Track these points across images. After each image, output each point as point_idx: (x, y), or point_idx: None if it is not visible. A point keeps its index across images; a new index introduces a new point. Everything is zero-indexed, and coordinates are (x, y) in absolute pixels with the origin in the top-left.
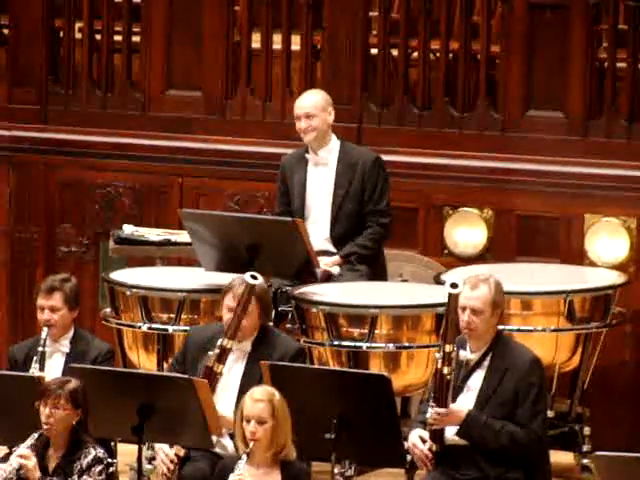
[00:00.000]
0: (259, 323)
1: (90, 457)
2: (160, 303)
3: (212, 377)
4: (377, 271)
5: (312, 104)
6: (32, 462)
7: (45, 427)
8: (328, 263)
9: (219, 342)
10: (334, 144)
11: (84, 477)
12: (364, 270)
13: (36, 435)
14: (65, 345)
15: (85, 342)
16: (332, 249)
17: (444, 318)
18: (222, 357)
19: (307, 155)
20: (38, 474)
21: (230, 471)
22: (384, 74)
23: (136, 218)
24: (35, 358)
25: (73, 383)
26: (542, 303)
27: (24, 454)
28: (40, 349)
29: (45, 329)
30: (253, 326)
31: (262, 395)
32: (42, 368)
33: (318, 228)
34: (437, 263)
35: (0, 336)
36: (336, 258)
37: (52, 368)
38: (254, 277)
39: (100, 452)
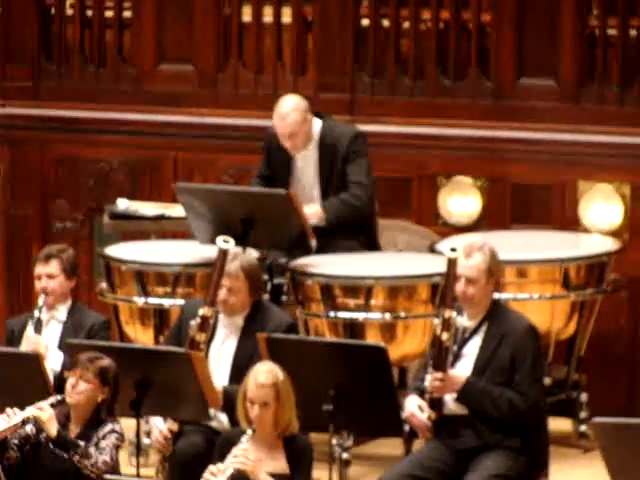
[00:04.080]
0: (250, 300)
1: (107, 429)
2: (156, 277)
3: (195, 347)
4: (369, 241)
5: (294, 122)
6: (48, 413)
7: (67, 397)
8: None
9: (200, 311)
10: (316, 132)
11: (100, 442)
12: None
13: (58, 397)
14: (62, 312)
15: (82, 313)
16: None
17: (443, 283)
18: (203, 326)
19: None
20: (56, 426)
21: (233, 445)
22: (375, 45)
23: (130, 193)
24: (30, 321)
25: (106, 361)
26: (538, 271)
27: (41, 407)
28: (36, 314)
29: (42, 296)
30: (242, 303)
31: (266, 379)
32: (38, 331)
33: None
34: (432, 232)
35: None
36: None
37: (48, 336)
38: (226, 241)
39: (117, 427)
